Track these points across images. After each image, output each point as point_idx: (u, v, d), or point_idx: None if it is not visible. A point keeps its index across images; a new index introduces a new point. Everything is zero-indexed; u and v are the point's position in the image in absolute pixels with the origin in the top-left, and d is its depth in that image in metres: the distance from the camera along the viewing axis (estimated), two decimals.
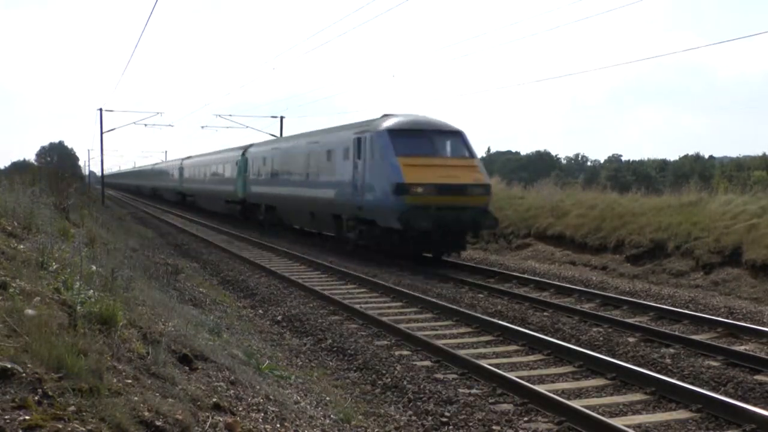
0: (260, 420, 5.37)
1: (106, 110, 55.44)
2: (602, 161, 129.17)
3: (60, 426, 3.47)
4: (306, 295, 14.80)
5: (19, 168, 57.88)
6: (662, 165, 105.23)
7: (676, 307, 13.30)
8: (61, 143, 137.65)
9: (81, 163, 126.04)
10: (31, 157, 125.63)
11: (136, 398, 4.23)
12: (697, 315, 12.39)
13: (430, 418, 7.37)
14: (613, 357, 9.58)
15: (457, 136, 20.55)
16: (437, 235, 18.59)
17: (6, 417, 3.44)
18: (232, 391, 5.85)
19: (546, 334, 10.92)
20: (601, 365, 9.08)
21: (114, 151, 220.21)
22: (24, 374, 3.92)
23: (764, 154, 78.36)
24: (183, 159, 53.34)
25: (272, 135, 46.45)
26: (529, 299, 14.01)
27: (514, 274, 17.66)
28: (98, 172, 74.52)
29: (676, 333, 11.07)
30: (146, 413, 4.05)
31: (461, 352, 9.80)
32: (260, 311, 13.57)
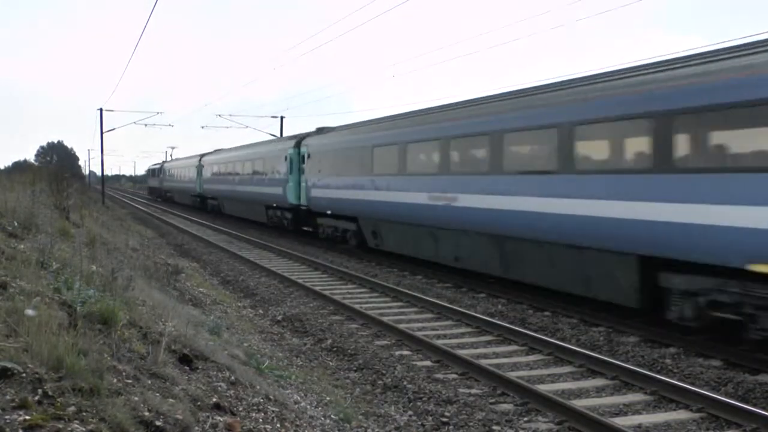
0: (260, 420, 5.37)
1: (106, 110, 55.45)
2: None
3: (60, 426, 3.46)
4: (306, 295, 14.80)
5: (19, 168, 57.89)
6: None
7: None
8: (60, 143, 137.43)
9: (81, 163, 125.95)
10: (31, 157, 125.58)
11: (136, 398, 4.23)
12: None
13: (430, 418, 7.37)
14: (613, 357, 9.58)
15: None
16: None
17: (6, 417, 3.43)
18: (232, 391, 5.84)
19: (546, 335, 10.93)
20: (601, 365, 9.08)
21: (114, 151, 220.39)
22: (24, 374, 3.91)
23: None
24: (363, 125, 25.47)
25: (272, 135, 44.57)
26: (529, 299, 13.99)
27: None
28: (98, 172, 74.31)
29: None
30: (146, 413, 4.05)
31: (461, 352, 9.80)
32: (260, 311, 13.57)
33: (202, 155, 47.78)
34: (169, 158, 76.57)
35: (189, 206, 51.77)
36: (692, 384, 8.34)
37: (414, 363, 9.52)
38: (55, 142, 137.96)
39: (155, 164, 78.16)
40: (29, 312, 4.94)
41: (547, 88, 13.66)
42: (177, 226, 34.26)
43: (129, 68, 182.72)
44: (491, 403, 7.83)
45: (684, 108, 9.91)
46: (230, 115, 65.58)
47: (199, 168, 46.62)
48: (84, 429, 3.51)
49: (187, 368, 5.95)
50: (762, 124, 8.91)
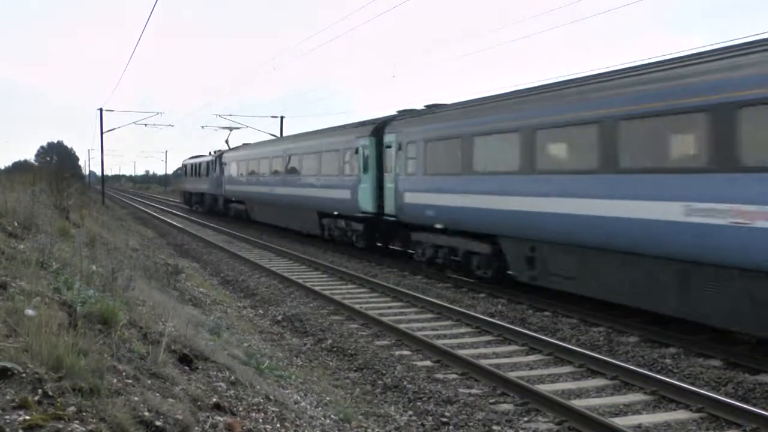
0: (260, 420, 5.36)
1: (106, 110, 55.41)
2: None
3: (60, 426, 3.46)
4: (306, 295, 14.79)
5: (19, 168, 57.88)
6: None
7: None
8: (60, 143, 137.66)
9: (81, 163, 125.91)
10: (31, 157, 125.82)
11: (136, 398, 4.23)
12: None
13: (430, 418, 7.37)
14: (613, 357, 9.58)
15: None
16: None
17: (6, 417, 3.43)
18: (232, 391, 5.84)
19: (546, 335, 10.92)
20: (601, 365, 9.08)
21: (114, 151, 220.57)
22: (24, 374, 3.91)
23: None
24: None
25: (272, 135, 43.87)
26: (529, 299, 13.99)
27: None
28: (98, 172, 74.07)
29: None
30: (146, 413, 4.04)
31: (461, 352, 9.79)
32: (260, 311, 13.57)
33: (380, 123, 20.37)
34: (224, 147, 43.28)
35: (315, 239, 25.64)
36: (692, 384, 8.34)
37: (414, 363, 9.51)
38: (55, 142, 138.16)
39: (197, 156, 47.98)
40: (29, 312, 4.94)
41: None
42: (177, 226, 34.25)
43: (129, 68, 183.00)
44: (491, 403, 7.83)
45: None
46: (230, 115, 65.24)
47: (375, 151, 20.05)
48: (84, 429, 3.51)
49: (187, 368, 5.95)
50: None
